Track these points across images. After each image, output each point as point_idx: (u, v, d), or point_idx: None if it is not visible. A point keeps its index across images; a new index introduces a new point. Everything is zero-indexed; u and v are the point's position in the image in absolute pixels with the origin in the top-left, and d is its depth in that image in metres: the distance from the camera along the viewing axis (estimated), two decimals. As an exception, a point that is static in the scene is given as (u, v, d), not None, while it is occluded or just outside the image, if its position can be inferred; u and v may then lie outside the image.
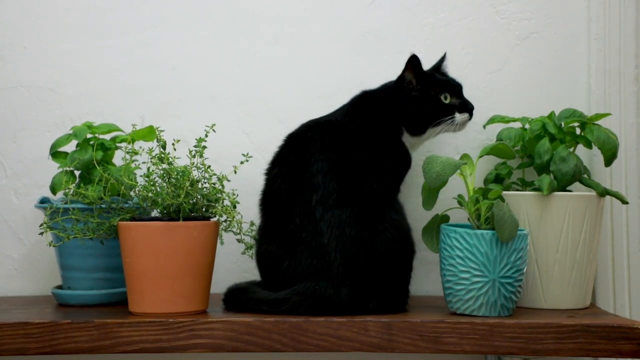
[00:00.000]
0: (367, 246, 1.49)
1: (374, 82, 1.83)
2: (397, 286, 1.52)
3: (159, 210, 1.51)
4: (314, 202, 1.50)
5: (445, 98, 1.62)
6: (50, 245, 1.61)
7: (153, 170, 1.51)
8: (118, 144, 1.68)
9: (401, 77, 1.62)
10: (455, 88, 1.65)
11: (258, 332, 1.42)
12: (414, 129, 1.62)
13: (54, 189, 1.65)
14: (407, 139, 1.63)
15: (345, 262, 1.48)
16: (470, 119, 1.64)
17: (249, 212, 1.67)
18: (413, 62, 1.59)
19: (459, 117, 1.62)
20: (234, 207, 1.52)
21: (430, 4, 1.83)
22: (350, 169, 1.52)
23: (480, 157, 1.56)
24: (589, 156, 1.77)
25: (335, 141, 1.55)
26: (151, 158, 1.51)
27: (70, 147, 1.67)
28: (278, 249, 1.52)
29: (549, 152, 1.62)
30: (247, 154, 1.55)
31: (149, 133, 1.63)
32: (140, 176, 1.54)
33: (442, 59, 1.72)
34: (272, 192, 1.56)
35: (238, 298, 1.53)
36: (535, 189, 1.61)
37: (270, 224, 1.55)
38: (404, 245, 1.53)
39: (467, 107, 1.63)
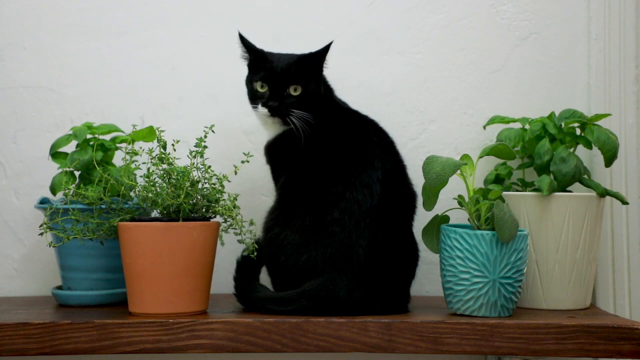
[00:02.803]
0: (395, 253, 1.52)
1: (375, 82, 1.83)
2: (402, 289, 1.53)
3: (159, 211, 1.51)
4: (367, 206, 1.50)
5: (262, 87, 1.60)
6: (50, 246, 1.61)
7: (153, 171, 1.51)
8: (118, 145, 1.68)
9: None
10: (275, 77, 1.59)
11: (258, 332, 1.42)
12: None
13: (53, 190, 1.65)
14: None
15: (371, 266, 1.49)
16: (272, 115, 1.58)
17: (250, 211, 1.67)
18: (242, 39, 1.61)
19: (260, 109, 1.59)
20: (234, 206, 1.52)
21: (430, 4, 1.83)
22: (399, 177, 1.57)
23: (481, 157, 1.56)
24: (589, 156, 1.77)
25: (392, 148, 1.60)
26: (151, 158, 1.51)
27: (70, 147, 1.67)
28: (301, 238, 1.50)
29: (549, 153, 1.62)
30: (248, 153, 1.55)
31: (149, 133, 1.63)
32: (140, 177, 1.54)
33: (325, 50, 1.62)
34: (306, 182, 1.54)
35: (247, 297, 1.55)
36: (535, 190, 1.61)
37: (296, 212, 1.52)
38: (417, 254, 1.58)
39: (270, 101, 1.58)
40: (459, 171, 1.48)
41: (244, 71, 1.83)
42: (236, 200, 1.52)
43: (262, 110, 1.59)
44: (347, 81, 1.77)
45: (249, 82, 1.63)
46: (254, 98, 1.61)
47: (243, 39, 1.61)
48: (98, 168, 1.59)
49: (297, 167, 1.57)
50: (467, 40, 1.83)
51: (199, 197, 1.50)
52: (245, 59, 1.64)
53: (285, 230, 1.52)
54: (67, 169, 1.65)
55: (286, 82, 1.58)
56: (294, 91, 1.59)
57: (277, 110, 1.58)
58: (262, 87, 1.60)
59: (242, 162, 1.55)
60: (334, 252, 1.48)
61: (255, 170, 1.76)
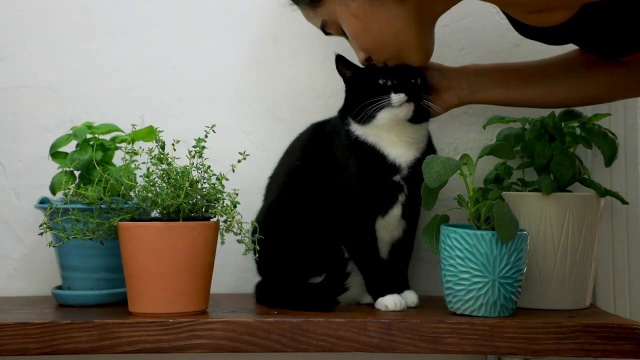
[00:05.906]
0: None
1: (374, 82, 1.82)
2: None
3: (158, 211, 1.51)
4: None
5: (385, 82, 1.56)
6: (50, 246, 1.61)
7: (153, 171, 1.51)
8: (118, 144, 1.68)
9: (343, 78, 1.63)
10: (394, 72, 1.56)
11: (258, 332, 1.42)
12: (355, 113, 1.57)
13: (53, 189, 1.65)
14: (356, 128, 1.59)
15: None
16: (408, 99, 1.54)
17: (250, 212, 1.67)
18: (339, 61, 1.60)
19: (394, 97, 1.54)
20: (234, 207, 1.52)
21: (430, 4, 1.82)
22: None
23: (480, 157, 1.55)
24: (589, 156, 1.77)
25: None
26: (151, 158, 1.51)
27: (70, 147, 1.67)
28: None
29: (549, 153, 1.62)
30: (244, 152, 1.55)
31: (149, 133, 1.63)
32: (140, 176, 1.54)
33: None
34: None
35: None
36: (535, 190, 1.61)
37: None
38: None
39: (403, 88, 1.54)
40: (458, 171, 1.48)
41: (244, 71, 1.84)
42: (236, 200, 1.52)
43: (397, 97, 1.54)
44: (347, 81, 1.77)
45: (365, 82, 1.58)
46: (374, 94, 1.55)
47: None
48: (98, 168, 1.59)
49: None
50: (467, 40, 1.83)
51: (199, 197, 1.50)
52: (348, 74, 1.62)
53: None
54: (67, 169, 1.65)
55: (410, 74, 1.57)
56: (416, 81, 1.58)
57: (414, 93, 1.55)
58: (384, 82, 1.56)
59: (239, 160, 1.55)
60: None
61: (256, 170, 1.76)
